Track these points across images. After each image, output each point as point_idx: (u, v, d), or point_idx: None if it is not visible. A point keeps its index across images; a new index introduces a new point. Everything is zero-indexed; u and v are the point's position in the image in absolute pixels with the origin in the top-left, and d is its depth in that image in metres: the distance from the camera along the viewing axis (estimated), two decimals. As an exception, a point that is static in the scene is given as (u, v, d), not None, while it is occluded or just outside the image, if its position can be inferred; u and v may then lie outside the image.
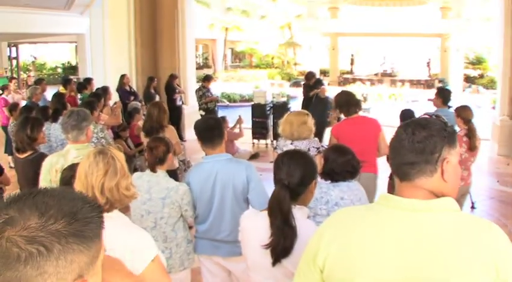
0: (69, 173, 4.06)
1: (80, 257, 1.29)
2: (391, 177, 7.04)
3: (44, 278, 1.23)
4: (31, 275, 1.21)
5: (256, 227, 3.26)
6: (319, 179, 4.25)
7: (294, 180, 3.15)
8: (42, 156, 5.35)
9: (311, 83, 13.82)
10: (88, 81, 12.98)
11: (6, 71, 31.52)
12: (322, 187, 4.33)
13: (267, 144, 14.98)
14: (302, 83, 15.47)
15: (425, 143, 1.99)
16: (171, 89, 14.79)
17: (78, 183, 3.02)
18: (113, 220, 2.84)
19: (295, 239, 3.04)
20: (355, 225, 2.07)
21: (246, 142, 14.03)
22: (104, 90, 10.55)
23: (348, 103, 6.82)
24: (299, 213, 3.17)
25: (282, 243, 3.04)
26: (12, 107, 10.82)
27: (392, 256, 1.90)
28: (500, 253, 1.83)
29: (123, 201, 3.05)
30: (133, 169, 9.74)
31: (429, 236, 1.88)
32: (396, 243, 1.91)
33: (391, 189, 6.23)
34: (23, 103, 12.35)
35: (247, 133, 13.71)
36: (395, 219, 1.96)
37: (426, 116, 2.27)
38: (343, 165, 4.42)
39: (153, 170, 4.71)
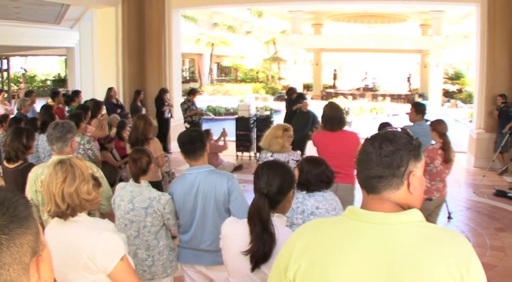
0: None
1: (26, 237, 1.35)
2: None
3: (6, 269, 1.29)
4: None
5: (236, 234, 3.33)
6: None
7: (272, 189, 3.25)
8: (31, 166, 5.36)
9: (293, 98, 13.98)
10: (76, 93, 13.07)
11: (2, 83, 31.42)
12: (298, 197, 4.38)
13: (250, 156, 15.16)
14: (285, 98, 15.63)
15: (392, 157, 2.01)
16: (161, 102, 14.92)
17: (44, 194, 3.22)
18: (78, 223, 3.16)
19: (273, 246, 3.12)
20: (324, 238, 2.07)
21: (229, 154, 14.07)
22: (96, 104, 10.65)
23: (333, 119, 6.95)
24: (278, 221, 3.26)
25: (261, 250, 3.11)
26: (2, 119, 10.89)
27: (362, 269, 1.91)
28: (464, 262, 1.86)
29: (85, 206, 3.18)
30: (119, 180, 9.88)
31: (398, 248, 1.89)
32: (365, 256, 1.91)
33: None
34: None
35: (232, 146, 13.81)
36: (363, 232, 1.98)
37: (392, 129, 2.33)
38: (317, 176, 4.47)
39: (137, 180, 4.79)
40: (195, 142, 4.67)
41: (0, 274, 1.29)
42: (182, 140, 4.76)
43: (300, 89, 35.97)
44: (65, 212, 3.12)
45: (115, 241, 3.04)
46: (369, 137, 2.14)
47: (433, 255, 1.86)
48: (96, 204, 3.31)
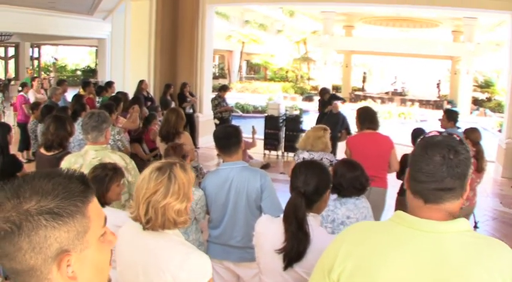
0: (102, 172, 4.24)
1: (55, 232, 1.37)
2: (400, 194, 7.15)
3: (22, 254, 1.34)
4: (10, 251, 1.34)
5: (270, 232, 3.32)
6: None
7: (309, 188, 3.23)
8: (68, 155, 5.40)
9: (325, 99, 13.91)
10: (109, 84, 13.26)
11: (33, 71, 31.78)
12: (329, 205, 4.30)
13: (277, 155, 15.15)
14: (318, 99, 15.53)
15: (462, 168, 1.98)
16: (182, 97, 14.95)
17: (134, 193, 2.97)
18: (164, 234, 2.84)
19: (308, 245, 3.10)
20: (371, 241, 2.05)
21: (257, 152, 14.12)
22: (124, 95, 10.70)
23: (364, 119, 6.94)
24: (313, 221, 3.23)
25: (296, 248, 3.10)
26: (34, 106, 10.99)
27: (408, 275, 1.90)
28: (507, 271, 1.85)
29: (167, 226, 2.84)
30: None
31: (444, 257, 1.88)
32: (411, 262, 1.90)
33: (400, 205, 6.36)
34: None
35: (259, 144, 13.83)
36: (411, 239, 1.96)
37: (436, 133, 2.24)
38: (350, 181, 4.44)
39: None
40: (230, 138, 4.68)
41: (15, 256, 1.35)
42: (218, 135, 4.78)
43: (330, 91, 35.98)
44: (144, 225, 2.83)
45: (204, 263, 2.76)
46: (426, 144, 2.06)
47: (478, 266, 1.84)
48: (182, 224, 2.89)
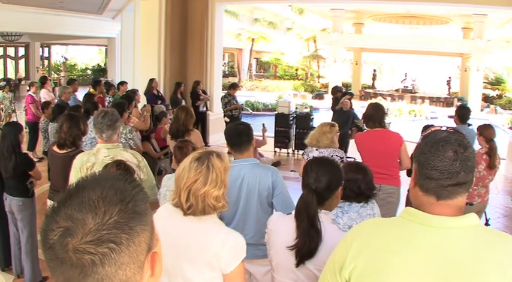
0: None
1: (144, 234, 1.29)
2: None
3: (123, 269, 1.24)
4: (111, 272, 1.22)
5: (282, 230, 3.33)
6: None
7: (321, 185, 3.23)
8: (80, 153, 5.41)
9: (338, 97, 13.90)
10: (121, 84, 13.37)
11: (44, 71, 31.95)
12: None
13: (288, 153, 15.17)
14: (331, 97, 15.49)
15: (472, 161, 1.99)
16: (195, 95, 14.96)
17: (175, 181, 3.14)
18: (206, 222, 3.05)
19: (319, 242, 3.10)
20: (382, 238, 2.04)
21: (267, 150, 14.13)
22: (133, 93, 10.74)
23: (371, 118, 6.90)
24: (324, 218, 3.23)
25: (307, 245, 3.11)
26: (45, 105, 11.05)
27: (421, 271, 1.89)
28: None
29: (207, 211, 3.04)
30: (158, 171, 9.94)
31: (455, 253, 1.87)
32: (425, 258, 1.89)
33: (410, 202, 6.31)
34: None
35: (270, 141, 13.83)
36: (422, 235, 1.95)
37: (438, 128, 2.22)
38: (348, 183, 4.05)
39: None
40: (241, 135, 4.69)
41: (116, 274, 1.23)
42: (229, 132, 4.80)
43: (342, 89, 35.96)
44: (185, 211, 3.03)
45: (241, 243, 3.01)
46: (435, 141, 2.04)
47: (491, 260, 1.84)
48: (220, 209, 3.11)
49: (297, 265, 3.17)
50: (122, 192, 1.29)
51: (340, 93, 14.23)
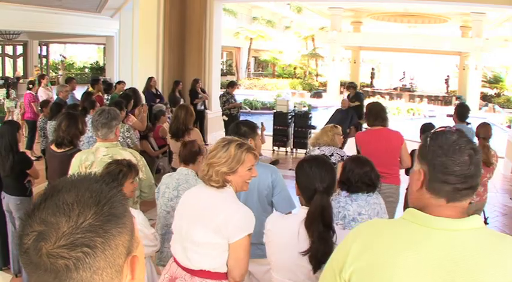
0: (116, 168, 4.24)
1: (121, 238, 1.25)
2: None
3: (99, 274, 1.20)
4: (86, 277, 1.18)
5: (281, 230, 3.33)
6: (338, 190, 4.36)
7: (326, 185, 3.24)
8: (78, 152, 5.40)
9: (351, 96, 13.91)
10: (119, 83, 13.34)
11: (41, 69, 31.87)
12: (339, 201, 4.34)
13: (286, 151, 15.13)
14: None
15: (481, 164, 2.00)
16: (194, 94, 14.93)
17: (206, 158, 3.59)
18: (225, 192, 3.45)
19: (333, 245, 3.09)
20: (383, 240, 2.01)
21: (266, 149, 14.09)
22: (134, 92, 10.72)
23: (372, 116, 6.90)
24: None
25: (322, 250, 3.08)
26: (44, 104, 11.02)
27: (423, 274, 1.86)
28: None
29: (224, 184, 3.44)
30: (156, 170, 9.92)
31: (459, 255, 1.85)
32: (427, 261, 1.87)
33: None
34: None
35: (268, 140, 13.82)
36: (425, 237, 1.92)
37: (443, 129, 2.19)
38: (359, 176, 4.38)
39: (186, 164, 4.86)
40: (244, 135, 4.67)
41: (92, 279, 1.19)
42: (232, 131, 4.81)
43: (337, 87, 35.97)
44: (206, 181, 3.46)
45: (251, 218, 3.32)
46: (450, 145, 2.00)
47: (492, 263, 1.83)
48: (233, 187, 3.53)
49: (314, 271, 3.14)
50: (98, 195, 1.25)
51: (354, 91, 14.23)
